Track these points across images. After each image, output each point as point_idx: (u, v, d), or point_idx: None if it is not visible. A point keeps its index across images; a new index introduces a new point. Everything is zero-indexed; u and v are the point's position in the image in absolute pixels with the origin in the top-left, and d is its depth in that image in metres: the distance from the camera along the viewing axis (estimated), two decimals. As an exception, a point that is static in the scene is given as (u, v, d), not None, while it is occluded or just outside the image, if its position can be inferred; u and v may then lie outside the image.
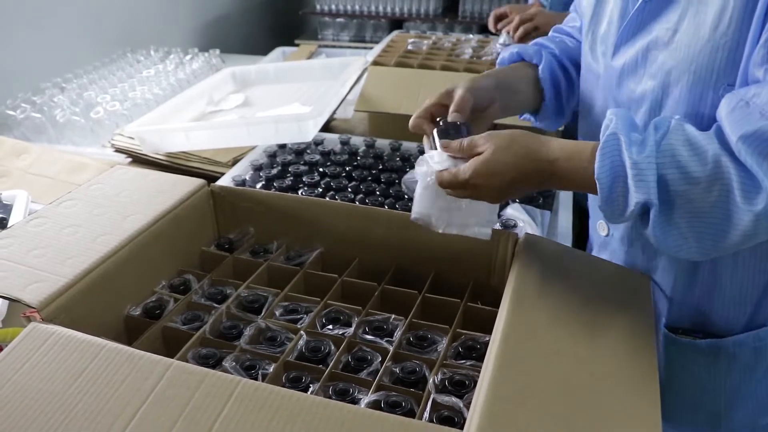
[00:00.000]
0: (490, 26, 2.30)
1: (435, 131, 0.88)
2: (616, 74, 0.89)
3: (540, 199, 1.36)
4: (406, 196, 1.35)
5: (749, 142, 0.68)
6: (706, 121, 0.78)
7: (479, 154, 0.81)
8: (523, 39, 1.99)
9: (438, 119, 0.90)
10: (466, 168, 0.81)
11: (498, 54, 1.96)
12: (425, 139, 0.92)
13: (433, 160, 0.85)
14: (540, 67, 1.05)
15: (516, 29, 2.02)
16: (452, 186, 0.83)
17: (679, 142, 0.72)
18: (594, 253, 1.09)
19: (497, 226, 1.17)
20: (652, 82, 0.84)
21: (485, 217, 0.88)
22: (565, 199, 1.42)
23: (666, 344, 0.95)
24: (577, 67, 1.06)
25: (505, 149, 0.80)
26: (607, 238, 1.01)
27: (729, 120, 0.71)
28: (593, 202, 1.04)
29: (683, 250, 0.74)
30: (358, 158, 1.54)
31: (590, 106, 1.00)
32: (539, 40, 1.11)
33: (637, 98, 0.87)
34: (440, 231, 0.87)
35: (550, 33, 1.17)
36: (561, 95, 1.08)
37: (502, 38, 2.07)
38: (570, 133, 1.23)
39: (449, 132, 0.87)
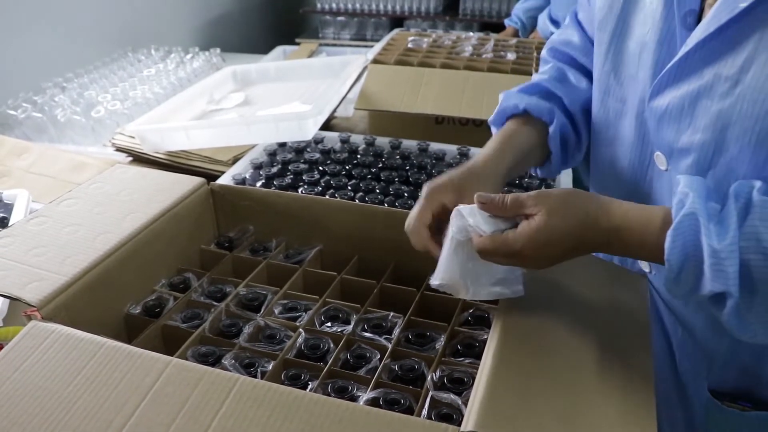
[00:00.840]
0: None
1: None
2: (655, 116, 0.78)
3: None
4: (405, 194, 1.35)
5: None
6: None
7: (528, 216, 0.71)
8: None
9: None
10: (517, 236, 0.70)
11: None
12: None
13: (473, 218, 0.73)
14: (551, 128, 0.93)
15: None
16: (497, 254, 0.72)
17: (765, 222, 0.62)
18: None
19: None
20: (702, 136, 0.73)
21: (516, 277, 0.79)
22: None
23: (708, 406, 0.88)
24: (587, 116, 0.96)
25: (561, 215, 0.70)
26: (650, 275, 0.91)
27: None
28: None
29: (759, 336, 0.66)
30: (358, 156, 1.54)
31: (614, 136, 0.89)
32: (543, 83, 0.97)
33: (681, 149, 0.76)
34: (467, 298, 0.79)
35: (544, 54, 1.05)
36: (567, 152, 0.98)
37: None
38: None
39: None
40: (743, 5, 0.65)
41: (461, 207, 0.75)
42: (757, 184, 0.65)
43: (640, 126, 0.83)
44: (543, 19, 2.38)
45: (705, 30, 0.70)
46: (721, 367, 0.86)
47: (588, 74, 0.97)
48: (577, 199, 0.72)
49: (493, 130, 0.99)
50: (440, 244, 0.78)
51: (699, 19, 0.73)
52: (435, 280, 0.78)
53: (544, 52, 1.06)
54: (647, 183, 0.86)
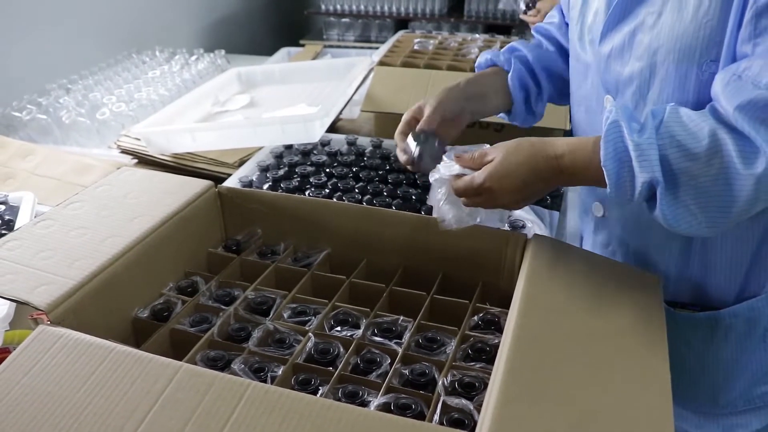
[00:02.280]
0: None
1: (409, 136, 0.97)
2: (604, 59, 0.93)
3: (548, 199, 1.36)
4: (413, 197, 1.34)
5: (745, 111, 0.72)
6: (692, 96, 0.83)
7: (491, 161, 0.86)
8: None
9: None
10: (479, 173, 0.86)
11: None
12: (399, 150, 0.99)
13: (445, 167, 0.90)
14: (509, 76, 1.10)
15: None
16: (467, 193, 0.88)
17: (676, 123, 0.76)
18: (587, 237, 1.15)
19: (506, 227, 1.20)
20: (639, 63, 0.88)
21: (497, 218, 0.94)
22: (572, 199, 1.42)
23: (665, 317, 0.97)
24: (548, 73, 1.13)
25: (513, 152, 0.85)
26: (603, 219, 1.05)
27: (724, 94, 0.75)
28: (585, 189, 1.10)
29: (693, 227, 0.77)
30: (365, 159, 1.54)
31: (582, 95, 1.03)
32: (514, 44, 1.15)
33: (625, 80, 0.90)
34: (457, 226, 0.92)
35: (533, 30, 1.22)
36: (530, 100, 1.13)
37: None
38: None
39: (419, 137, 0.96)
40: None
41: (441, 164, 0.92)
42: (670, 104, 0.79)
43: (594, 77, 0.97)
44: None
45: None
46: (674, 283, 0.98)
47: (559, 46, 1.16)
48: (527, 140, 0.87)
49: None
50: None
51: None
52: (437, 218, 0.93)
53: (533, 29, 1.23)
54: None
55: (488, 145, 0.91)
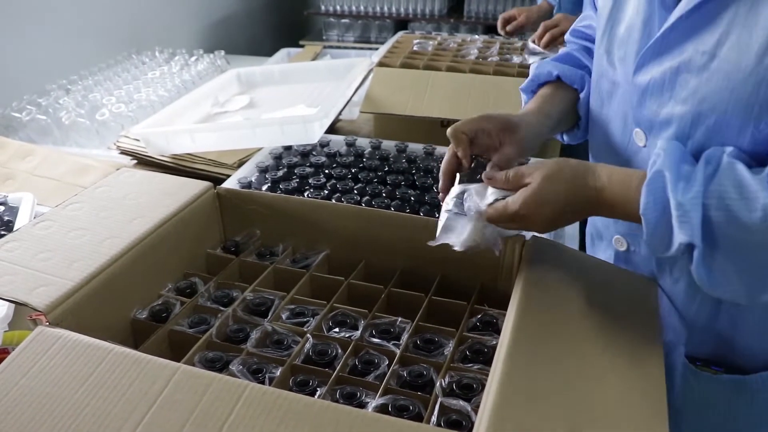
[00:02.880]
0: (499, 29, 2.32)
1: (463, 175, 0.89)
2: (638, 91, 0.83)
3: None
4: (412, 198, 1.35)
5: None
6: (746, 149, 0.73)
7: (526, 185, 0.80)
8: (549, 45, 2.02)
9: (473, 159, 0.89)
10: (515, 199, 0.80)
11: (525, 61, 1.99)
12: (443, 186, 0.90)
13: (480, 196, 0.84)
14: (581, 95, 1.01)
15: (541, 37, 2.05)
16: (501, 220, 0.82)
17: (731, 182, 0.68)
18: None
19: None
20: (681, 107, 0.78)
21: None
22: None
23: (684, 372, 0.91)
24: None
25: (553, 179, 0.79)
26: (626, 254, 0.96)
27: None
28: (605, 220, 1.00)
29: (728, 293, 0.72)
30: (364, 160, 1.54)
31: (604, 117, 0.95)
32: (575, 54, 1.05)
33: (661, 122, 0.81)
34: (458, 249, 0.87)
35: (568, 36, 1.13)
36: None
37: (531, 46, 2.10)
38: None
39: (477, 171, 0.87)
40: None
41: (472, 188, 0.86)
42: (728, 149, 0.71)
43: (624, 105, 0.89)
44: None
45: (685, 6, 0.75)
46: (699, 335, 0.89)
47: None
48: (569, 164, 0.80)
49: (524, 97, 1.08)
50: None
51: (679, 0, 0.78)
52: (459, 247, 0.86)
53: (567, 35, 1.13)
54: (627, 160, 0.90)
55: (524, 163, 0.84)
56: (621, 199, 0.76)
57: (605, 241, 1.01)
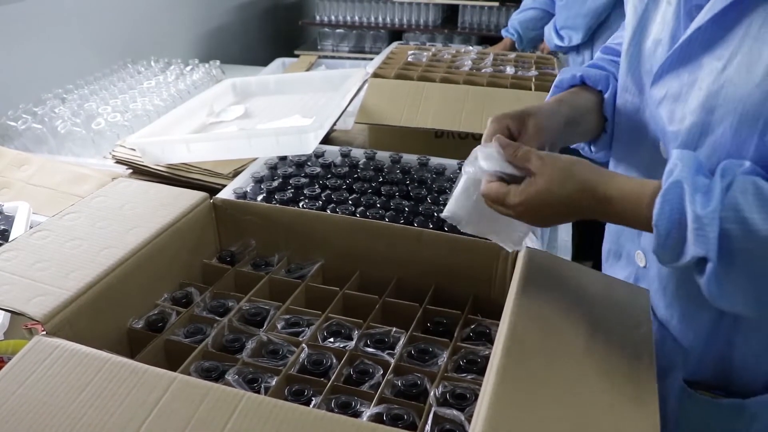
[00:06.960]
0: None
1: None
2: (654, 103, 0.84)
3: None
4: (407, 209, 1.35)
5: None
6: (757, 168, 0.72)
7: (531, 175, 0.77)
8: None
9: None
10: (516, 193, 0.77)
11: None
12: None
13: (485, 158, 0.81)
14: (606, 95, 0.98)
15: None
16: (495, 202, 0.79)
17: (747, 195, 0.67)
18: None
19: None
20: (690, 118, 0.78)
21: (519, 233, 0.86)
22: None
23: (681, 396, 0.91)
24: None
25: (560, 183, 0.76)
26: (644, 270, 0.96)
27: None
28: (628, 234, 0.99)
29: (736, 306, 0.71)
30: (359, 171, 1.55)
31: (631, 129, 0.94)
32: (600, 62, 1.04)
33: (671, 134, 0.82)
34: (467, 231, 0.86)
35: (599, 54, 1.10)
36: None
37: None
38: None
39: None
40: None
41: (480, 147, 0.82)
42: (746, 164, 0.71)
43: (644, 117, 0.89)
44: (549, 31, 2.41)
45: (702, 18, 0.75)
46: (697, 359, 0.89)
47: None
48: (580, 168, 0.77)
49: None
50: None
51: None
52: (444, 213, 0.84)
53: (598, 52, 1.11)
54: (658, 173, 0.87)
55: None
56: (631, 210, 0.75)
57: (621, 258, 1.00)
